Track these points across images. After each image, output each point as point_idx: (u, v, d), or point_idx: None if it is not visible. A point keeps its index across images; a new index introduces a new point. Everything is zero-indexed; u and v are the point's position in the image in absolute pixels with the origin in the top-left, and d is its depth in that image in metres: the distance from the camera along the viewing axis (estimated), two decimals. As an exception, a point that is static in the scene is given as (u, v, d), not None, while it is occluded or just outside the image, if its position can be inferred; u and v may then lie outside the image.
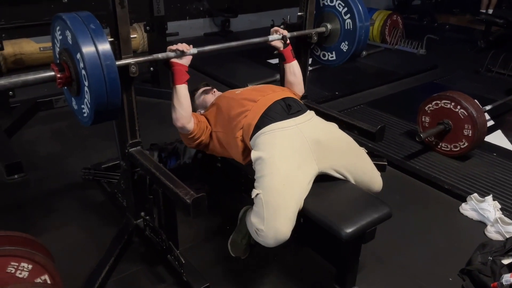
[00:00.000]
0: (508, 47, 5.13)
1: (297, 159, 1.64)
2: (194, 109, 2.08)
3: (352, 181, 1.77)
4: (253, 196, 1.61)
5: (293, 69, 2.15)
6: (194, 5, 5.68)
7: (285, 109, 1.76)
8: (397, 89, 4.18)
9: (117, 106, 1.47)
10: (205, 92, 2.19)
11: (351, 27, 2.27)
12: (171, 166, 2.42)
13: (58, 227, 2.14)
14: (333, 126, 1.87)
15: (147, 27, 3.52)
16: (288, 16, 2.51)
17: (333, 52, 2.43)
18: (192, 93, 2.16)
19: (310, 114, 1.81)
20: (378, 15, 5.55)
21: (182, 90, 1.77)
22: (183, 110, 1.79)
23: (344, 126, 2.28)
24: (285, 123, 1.71)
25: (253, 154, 1.66)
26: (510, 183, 2.57)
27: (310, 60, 2.51)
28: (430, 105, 2.82)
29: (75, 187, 2.43)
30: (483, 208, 2.24)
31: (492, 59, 4.56)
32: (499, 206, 2.26)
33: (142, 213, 1.97)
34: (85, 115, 1.50)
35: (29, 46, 4.21)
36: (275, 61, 4.36)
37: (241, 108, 1.80)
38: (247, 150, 1.78)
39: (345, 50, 2.35)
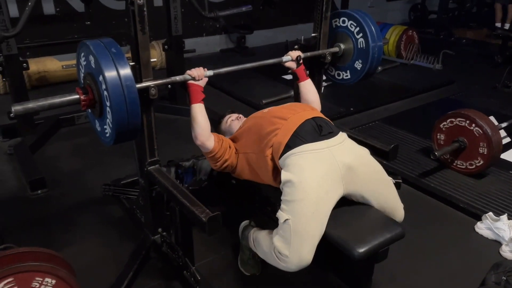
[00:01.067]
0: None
1: (327, 184, 1.64)
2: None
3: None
4: (281, 221, 1.61)
5: (308, 88, 2.20)
6: (210, 22, 5.80)
7: (316, 130, 1.75)
8: (413, 105, 4.18)
9: (137, 126, 1.55)
10: (231, 118, 2.20)
11: (364, 46, 2.31)
12: (187, 182, 2.48)
13: (79, 242, 2.21)
14: (364, 151, 1.85)
15: (165, 46, 3.63)
16: (302, 37, 2.56)
17: (348, 71, 2.47)
18: (219, 120, 2.22)
19: (342, 137, 1.79)
20: (394, 30, 5.58)
21: (197, 109, 1.84)
22: (200, 128, 1.84)
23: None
24: (317, 145, 1.70)
25: (283, 176, 1.66)
26: (527, 202, 2.55)
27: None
28: (445, 123, 2.83)
29: (95, 203, 2.51)
30: (498, 227, 2.23)
31: (509, 75, 4.53)
32: (515, 225, 2.25)
33: (159, 229, 2.03)
34: (107, 135, 1.58)
35: (52, 64, 4.37)
36: (289, 77, 4.42)
37: (271, 126, 1.79)
38: (276, 169, 1.77)
39: (359, 69, 2.39)
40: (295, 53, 2.17)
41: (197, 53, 5.48)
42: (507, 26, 6.53)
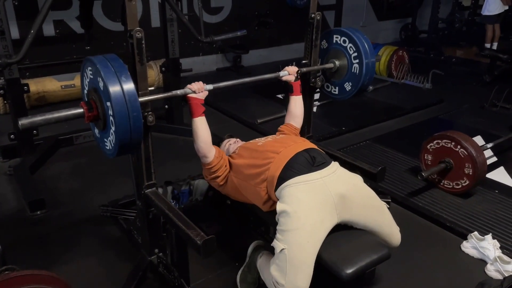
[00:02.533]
0: (513, 82, 5.25)
1: (321, 213, 1.70)
2: None
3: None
4: (277, 250, 1.66)
5: (297, 102, 2.34)
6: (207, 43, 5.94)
7: (309, 161, 1.81)
8: (403, 124, 4.30)
9: (139, 139, 1.61)
10: (230, 143, 2.27)
11: (357, 72, 2.40)
12: (183, 202, 2.55)
13: (78, 262, 2.27)
14: (357, 179, 1.90)
15: (163, 68, 3.74)
16: (294, 63, 2.67)
17: (337, 88, 2.57)
18: (218, 144, 2.28)
19: (334, 166, 1.85)
20: (385, 50, 5.73)
21: (198, 123, 1.92)
22: (201, 141, 1.93)
23: (347, 166, 2.40)
24: (310, 176, 1.75)
25: (279, 207, 1.71)
26: (511, 221, 2.64)
27: (318, 95, 2.63)
28: (431, 144, 2.94)
29: (93, 223, 2.58)
30: (483, 246, 2.31)
31: (497, 94, 4.65)
32: (498, 244, 2.33)
33: (156, 250, 2.10)
34: (110, 148, 1.64)
35: (51, 84, 4.47)
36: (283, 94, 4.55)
37: (264, 160, 1.86)
38: (271, 201, 1.84)
39: (347, 90, 2.50)
40: (293, 68, 2.30)
41: (194, 72, 5.60)
42: (495, 45, 6.71)
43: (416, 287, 2.15)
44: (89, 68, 1.62)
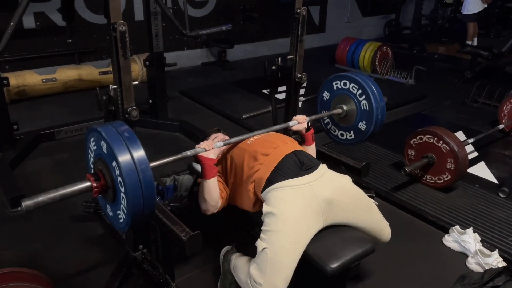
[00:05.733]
0: (493, 78, 5.36)
1: (307, 218, 1.69)
2: None
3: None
4: (259, 249, 1.65)
5: (310, 151, 2.19)
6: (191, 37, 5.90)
7: (297, 165, 1.80)
8: (387, 120, 4.26)
9: (153, 209, 1.48)
10: (217, 138, 2.18)
11: (367, 108, 2.36)
12: (168, 198, 2.53)
13: (60, 259, 2.24)
14: (345, 180, 1.88)
15: (147, 62, 3.69)
16: (279, 58, 2.66)
17: (352, 131, 2.51)
18: (204, 138, 2.22)
19: (322, 170, 1.83)
20: (369, 46, 5.77)
21: (212, 184, 1.81)
22: (213, 201, 1.84)
23: (332, 162, 2.43)
24: (297, 180, 1.74)
25: (265, 208, 1.71)
26: (491, 215, 2.70)
27: (303, 91, 2.61)
28: (414, 139, 2.98)
29: (76, 220, 2.54)
30: (464, 240, 2.36)
31: (478, 90, 4.75)
32: (479, 238, 2.38)
33: (140, 246, 2.08)
34: (121, 220, 1.52)
35: (32, 78, 4.37)
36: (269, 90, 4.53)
37: (253, 161, 1.84)
38: (258, 202, 1.83)
39: (363, 129, 2.44)
40: (302, 118, 2.20)
41: (178, 66, 5.58)
42: (475, 41, 6.83)
43: (400, 280, 2.19)
44: (95, 138, 1.51)
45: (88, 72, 4.71)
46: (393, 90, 5.26)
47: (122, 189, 1.40)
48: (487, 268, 2.16)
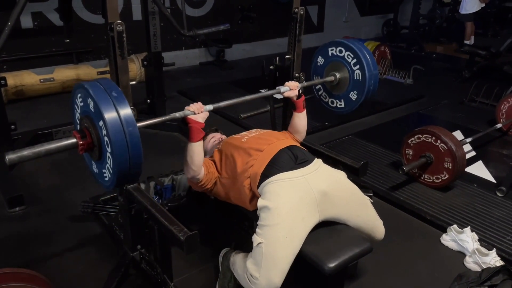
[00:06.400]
0: (491, 78, 5.37)
1: (302, 211, 1.70)
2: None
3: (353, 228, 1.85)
4: (255, 244, 1.66)
5: (301, 119, 2.24)
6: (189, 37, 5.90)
7: (292, 159, 1.82)
8: (385, 119, 4.35)
9: (139, 170, 1.48)
10: (214, 139, 2.26)
11: (360, 78, 2.33)
12: (166, 198, 2.53)
13: (58, 259, 2.24)
14: (340, 175, 1.90)
15: (145, 62, 3.69)
16: (277, 58, 2.66)
17: (342, 100, 2.49)
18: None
19: (317, 164, 1.85)
20: (367, 45, 5.75)
21: (196, 147, 1.82)
22: (195, 165, 1.85)
23: (330, 161, 2.42)
24: (292, 173, 1.75)
25: (260, 202, 1.72)
26: (489, 214, 2.70)
27: (301, 91, 2.61)
28: (412, 139, 2.98)
29: (74, 220, 2.54)
30: (462, 239, 2.36)
31: (476, 89, 4.75)
32: (476, 237, 2.38)
33: (138, 246, 2.08)
34: (107, 179, 1.50)
35: (29, 78, 4.36)
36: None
37: (247, 157, 1.86)
38: (255, 198, 1.83)
39: (353, 99, 2.43)
40: (294, 84, 2.20)
41: (176, 66, 5.57)
42: (472, 39, 6.83)
43: (397, 279, 2.19)
44: (82, 94, 1.50)
45: (86, 72, 4.70)
46: (391, 90, 5.26)
47: (109, 149, 1.40)
48: (484, 267, 2.16)
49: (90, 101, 1.42)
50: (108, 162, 1.43)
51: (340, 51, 2.39)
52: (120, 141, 1.37)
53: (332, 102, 2.55)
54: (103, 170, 1.49)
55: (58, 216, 2.58)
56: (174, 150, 3.50)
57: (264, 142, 1.92)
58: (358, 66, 2.33)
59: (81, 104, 1.51)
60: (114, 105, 1.38)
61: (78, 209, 2.54)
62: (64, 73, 4.58)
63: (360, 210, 1.88)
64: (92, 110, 1.42)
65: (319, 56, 2.51)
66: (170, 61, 4.98)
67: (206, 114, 1.86)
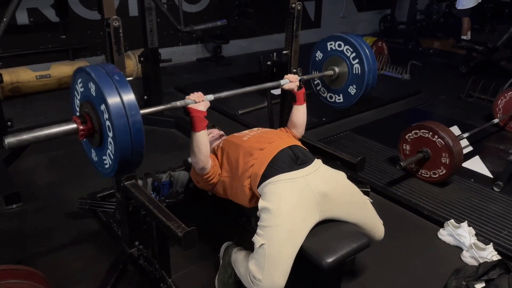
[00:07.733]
0: (488, 73, 5.37)
1: (303, 211, 1.70)
2: None
3: None
4: (257, 245, 1.66)
5: (301, 112, 2.22)
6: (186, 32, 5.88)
7: (292, 159, 1.80)
8: (382, 115, 4.35)
9: (141, 157, 1.44)
10: (212, 135, 2.23)
11: (359, 72, 2.33)
12: (164, 194, 2.53)
13: (56, 256, 2.23)
14: (340, 175, 1.90)
15: (141, 58, 3.67)
16: (274, 53, 2.66)
17: (341, 95, 2.48)
18: None
19: (317, 164, 1.84)
20: (364, 41, 5.77)
21: (201, 137, 1.79)
22: (202, 155, 1.82)
23: (327, 157, 2.43)
24: (292, 174, 1.75)
25: (261, 203, 1.71)
26: (485, 209, 2.71)
27: (301, 82, 2.58)
28: (410, 134, 2.98)
29: (71, 217, 2.53)
30: (459, 233, 2.38)
31: (473, 85, 4.76)
32: (474, 232, 2.39)
33: (136, 243, 2.08)
34: (107, 166, 1.47)
35: (26, 75, 4.34)
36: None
37: (248, 156, 1.84)
38: (254, 198, 1.83)
39: (352, 94, 2.41)
40: (293, 77, 2.19)
41: (173, 62, 5.56)
42: (468, 34, 6.84)
43: (395, 274, 2.20)
44: (83, 79, 1.46)
45: (82, 68, 4.68)
46: (388, 85, 5.26)
47: (110, 134, 1.36)
48: (481, 262, 2.17)
49: (91, 85, 1.39)
50: (110, 148, 1.40)
51: (339, 45, 2.38)
52: (123, 125, 1.33)
53: (331, 97, 2.54)
54: (104, 157, 1.46)
55: (55, 213, 2.57)
56: (171, 146, 3.50)
57: (265, 140, 1.90)
58: (357, 60, 2.33)
59: (82, 89, 1.47)
60: (116, 89, 1.34)
61: (76, 206, 2.53)
62: (60, 70, 4.55)
63: (360, 211, 1.88)
64: (94, 94, 1.39)
65: (318, 51, 2.50)
66: (167, 57, 4.97)
67: (207, 103, 1.84)
